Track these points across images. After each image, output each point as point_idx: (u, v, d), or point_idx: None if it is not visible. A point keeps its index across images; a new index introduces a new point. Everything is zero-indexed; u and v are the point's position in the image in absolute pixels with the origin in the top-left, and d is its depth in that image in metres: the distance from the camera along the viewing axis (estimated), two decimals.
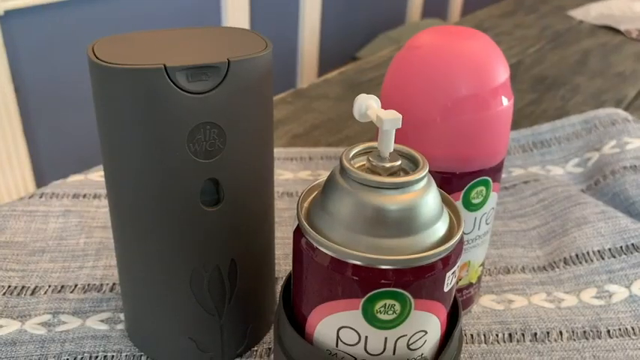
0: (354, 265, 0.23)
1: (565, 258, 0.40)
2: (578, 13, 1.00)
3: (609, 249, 0.40)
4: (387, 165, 0.24)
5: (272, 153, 0.30)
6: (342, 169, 0.24)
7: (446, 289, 0.24)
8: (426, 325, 0.24)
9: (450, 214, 0.25)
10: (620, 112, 0.53)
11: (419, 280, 0.23)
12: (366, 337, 0.24)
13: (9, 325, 0.34)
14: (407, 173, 0.24)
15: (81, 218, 0.43)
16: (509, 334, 0.35)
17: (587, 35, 0.91)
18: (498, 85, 0.29)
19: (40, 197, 0.45)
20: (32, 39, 0.99)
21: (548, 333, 0.35)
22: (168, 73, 0.25)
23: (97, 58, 0.25)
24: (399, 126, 0.23)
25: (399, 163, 0.24)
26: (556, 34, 0.91)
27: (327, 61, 1.49)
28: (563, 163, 0.52)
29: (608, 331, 0.35)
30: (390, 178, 0.23)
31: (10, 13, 0.91)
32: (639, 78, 0.75)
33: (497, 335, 0.35)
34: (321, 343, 0.25)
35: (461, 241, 0.24)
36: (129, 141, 0.26)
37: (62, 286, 0.37)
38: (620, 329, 0.35)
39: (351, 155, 0.24)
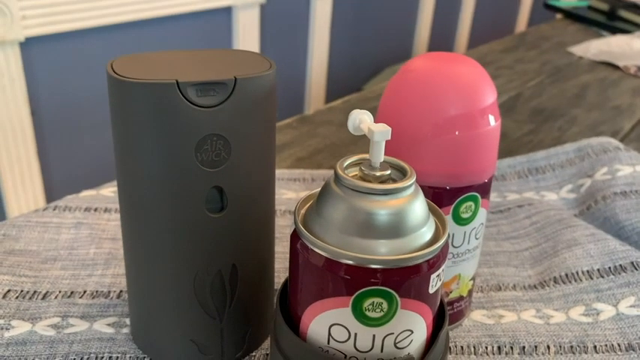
0: (346, 265, 0.24)
1: (555, 277, 0.42)
2: (578, 50, 1.03)
3: (598, 269, 0.42)
4: (378, 174, 0.26)
5: (274, 165, 0.32)
6: (337, 177, 0.26)
7: (431, 291, 0.26)
8: (412, 324, 0.26)
9: (436, 222, 0.27)
10: (612, 141, 0.55)
11: (405, 279, 0.24)
12: (356, 334, 0.25)
13: (20, 326, 0.36)
14: (395, 182, 0.26)
15: (92, 230, 0.45)
16: (499, 347, 0.36)
17: (587, 70, 0.93)
18: (486, 106, 0.32)
19: (54, 210, 0.47)
20: (50, 65, 1.03)
21: (536, 347, 0.36)
22: (180, 88, 0.27)
23: (115, 73, 0.28)
24: (389, 137, 0.25)
25: (388, 172, 0.26)
26: (556, 68, 0.94)
27: (334, 93, 1.52)
28: (557, 189, 0.54)
29: (595, 347, 0.36)
30: (380, 185, 0.25)
31: (30, 40, 0.95)
32: (635, 111, 0.77)
33: (486, 347, 0.36)
34: (314, 340, 0.26)
35: (445, 246, 0.26)
36: (141, 149, 0.28)
37: (72, 292, 0.39)
38: (606, 345, 0.37)
39: (345, 165, 0.26)
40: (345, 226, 0.25)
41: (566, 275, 0.42)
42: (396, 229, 0.25)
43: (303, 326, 0.27)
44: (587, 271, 0.42)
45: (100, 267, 0.41)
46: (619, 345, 0.36)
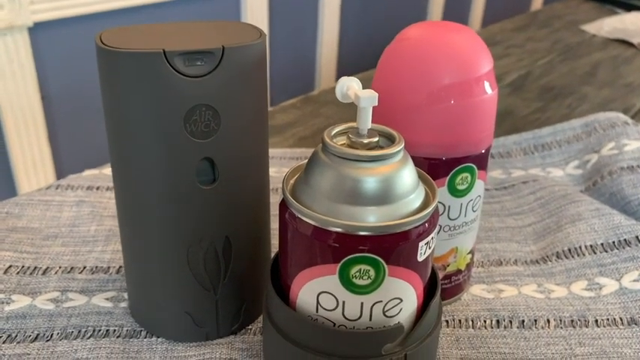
0: (333, 232, 0.24)
1: (558, 252, 0.41)
2: (591, 28, 1.01)
3: (602, 244, 0.41)
4: (365, 141, 0.25)
5: (266, 137, 0.32)
6: (324, 145, 0.25)
7: (420, 259, 0.25)
8: (401, 292, 0.25)
9: (426, 190, 0.26)
10: (621, 116, 0.54)
11: (393, 246, 0.24)
12: (344, 302, 0.25)
13: (20, 300, 0.36)
14: (383, 149, 0.25)
15: (93, 208, 0.45)
16: (497, 321, 0.36)
17: (599, 48, 0.91)
18: (481, 74, 0.31)
19: (57, 188, 0.47)
20: (59, 50, 1.03)
21: (535, 321, 0.36)
22: (167, 57, 0.27)
23: (103, 43, 0.28)
24: (375, 103, 0.25)
25: (376, 139, 0.25)
26: (567, 47, 0.92)
27: (345, 74, 1.51)
28: (564, 165, 0.53)
29: (596, 321, 0.36)
30: (368, 151, 0.25)
31: (39, 25, 0.95)
32: None
33: (485, 321, 0.36)
34: (303, 309, 0.26)
35: (435, 214, 0.26)
36: (130, 120, 0.28)
37: (72, 268, 0.39)
38: (608, 319, 0.36)
39: (332, 133, 0.26)
40: (332, 194, 0.25)
41: (569, 250, 0.41)
42: (383, 196, 0.24)
43: (292, 295, 0.27)
44: (591, 246, 0.41)
45: (101, 243, 0.42)
46: (621, 319, 0.36)
